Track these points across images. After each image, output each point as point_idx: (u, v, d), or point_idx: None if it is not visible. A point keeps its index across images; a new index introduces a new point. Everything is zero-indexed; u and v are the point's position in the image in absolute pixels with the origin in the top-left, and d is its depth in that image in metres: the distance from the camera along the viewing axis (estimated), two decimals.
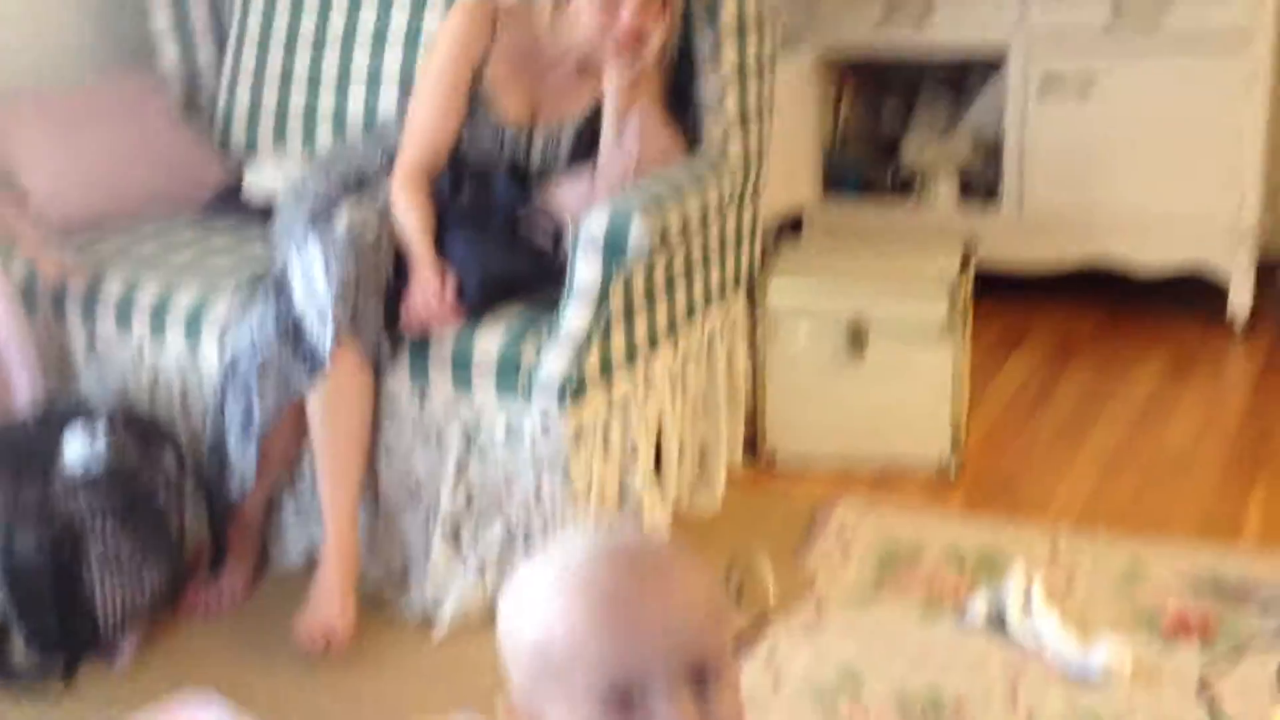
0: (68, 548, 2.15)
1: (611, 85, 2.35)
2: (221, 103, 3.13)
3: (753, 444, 2.88)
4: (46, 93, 2.95)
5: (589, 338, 2.20)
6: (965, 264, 2.87)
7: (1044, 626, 2.15)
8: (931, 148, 3.86)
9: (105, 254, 2.68)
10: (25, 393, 2.51)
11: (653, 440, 2.44)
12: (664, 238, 2.23)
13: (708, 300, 2.60)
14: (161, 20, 3.16)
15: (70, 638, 2.18)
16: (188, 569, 2.43)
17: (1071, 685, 2.05)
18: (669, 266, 2.40)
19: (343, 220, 2.29)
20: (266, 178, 2.91)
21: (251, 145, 3.07)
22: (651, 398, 2.43)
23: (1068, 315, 3.74)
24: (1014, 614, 2.19)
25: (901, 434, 2.82)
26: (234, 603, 2.41)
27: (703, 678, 1.00)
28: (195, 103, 3.18)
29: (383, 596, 2.39)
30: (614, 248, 2.15)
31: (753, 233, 2.76)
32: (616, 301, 2.24)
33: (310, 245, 2.24)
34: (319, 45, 2.98)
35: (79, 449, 2.24)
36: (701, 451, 2.70)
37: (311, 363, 2.20)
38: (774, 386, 2.85)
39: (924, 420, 2.80)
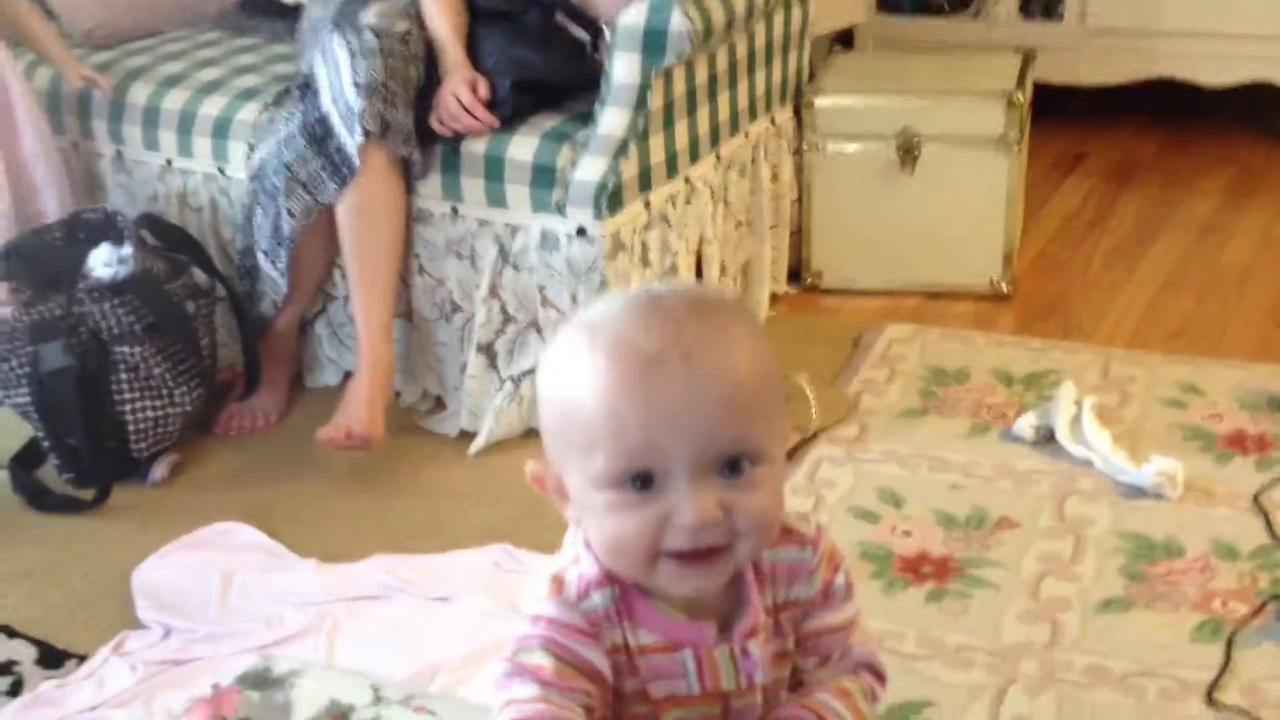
0: (94, 359, 2.11)
1: None
2: None
3: (796, 269, 2.80)
4: None
5: (626, 144, 2.11)
6: (1024, 74, 2.74)
7: (1095, 443, 2.08)
8: None
9: (131, 68, 2.60)
10: (54, 210, 2.46)
11: (693, 255, 2.36)
12: (707, 32, 2.11)
13: (753, 110, 2.49)
14: None
15: (101, 457, 2.15)
16: (220, 389, 2.40)
17: (1120, 501, 1.99)
18: (711, 68, 2.29)
19: (370, 19, 2.19)
20: None
21: None
22: (692, 210, 2.34)
23: (1129, 135, 3.58)
24: (1063, 430, 2.12)
25: (951, 254, 2.72)
26: (267, 424, 2.37)
27: (737, 466, 0.91)
28: None
29: (417, 422, 2.35)
30: (653, 43, 2.04)
31: (801, 38, 2.63)
32: (656, 104, 2.14)
33: (336, 45, 2.15)
34: None
35: (106, 261, 2.19)
36: (744, 271, 2.63)
37: (340, 167, 2.13)
38: (820, 205, 2.74)
39: (975, 239, 2.70)
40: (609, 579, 0.96)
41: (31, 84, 2.53)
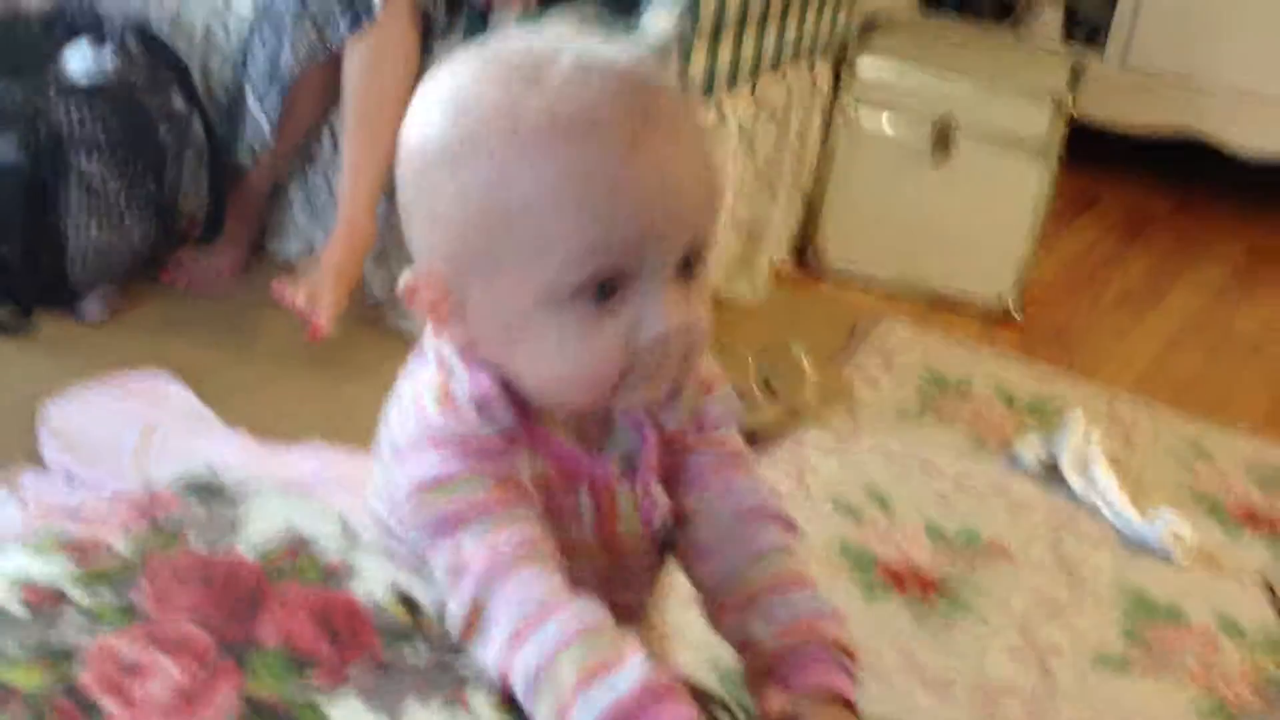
0: (48, 160, 1.88)
1: None
2: None
3: (801, 248, 2.63)
4: None
5: (667, 47, 1.93)
6: (1074, 82, 2.59)
7: (1100, 483, 1.94)
8: None
9: None
10: (36, 3, 2.22)
11: None
12: None
13: (796, 51, 2.32)
14: None
15: (33, 275, 1.93)
16: (178, 233, 2.18)
17: (1122, 552, 1.84)
18: None
19: None
20: None
21: None
22: (720, 142, 2.16)
23: (1145, 187, 3.45)
24: (1067, 464, 1.97)
25: (963, 259, 2.56)
26: (220, 281, 2.15)
27: (689, 267, 0.75)
28: None
29: (381, 317, 2.14)
30: None
31: None
32: (707, 10, 1.96)
33: None
34: None
35: (82, 59, 1.96)
36: (748, 234, 2.45)
37: (356, 6, 1.92)
38: (839, 177, 2.57)
39: (991, 248, 2.54)
40: (507, 393, 0.77)
41: None
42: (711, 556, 0.85)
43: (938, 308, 2.55)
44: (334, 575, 0.83)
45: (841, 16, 2.47)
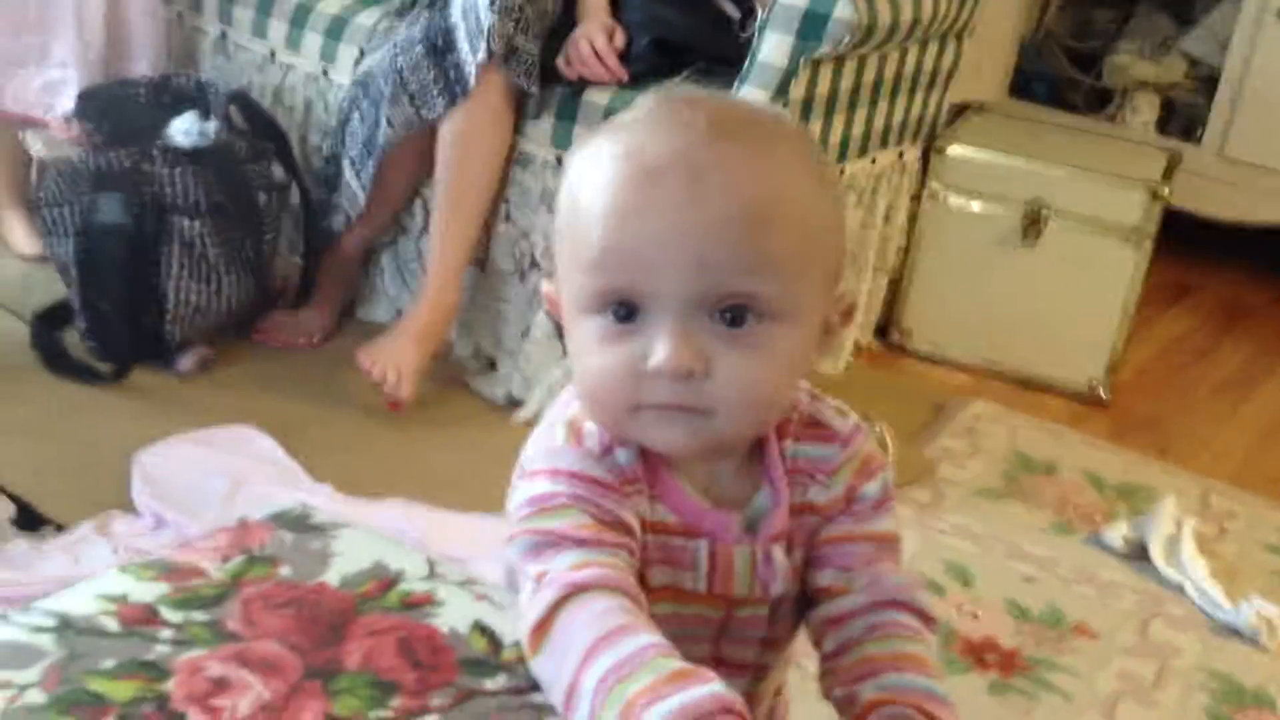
0: (150, 224, 1.94)
1: None
2: None
3: (884, 323, 2.62)
4: None
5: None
6: (1169, 172, 2.58)
7: (1190, 569, 1.89)
8: (1140, 65, 3.51)
9: None
10: (144, 74, 2.31)
11: None
12: (869, 28, 1.95)
13: (885, 137, 2.32)
14: None
15: (132, 330, 1.99)
16: (272, 295, 2.24)
17: (1210, 637, 1.80)
18: (858, 76, 2.12)
19: None
20: None
21: None
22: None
23: (1242, 278, 3.40)
24: (1158, 548, 1.94)
25: (1053, 343, 2.54)
26: (310, 342, 2.21)
27: (740, 317, 0.74)
28: None
29: (464, 379, 2.17)
30: (811, 26, 1.89)
31: (948, 78, 2.47)
32: (797, 94, 1.98)
33: None
34: None
35: (187, 128, 2.03)
36: None
37: (453, 84, 1.97)
38: (926, 259, 2.57)
39: (1082, 333, 2.52)
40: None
41: None
42: (839, 630, 0.84)
43: (1025, 390, 2.53)
44: (418, 608, 0.84)
45: (932, 101, 2.48)
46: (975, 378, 2.55)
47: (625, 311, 0.75)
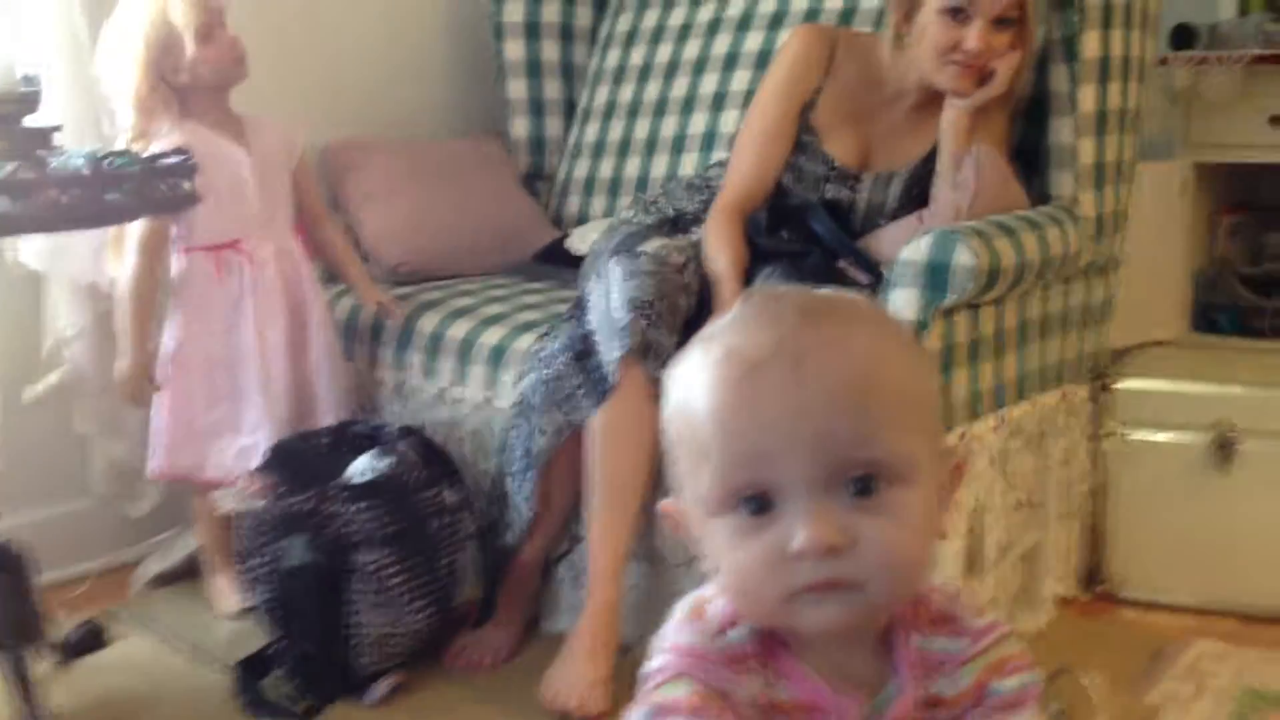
0: (336, 561, 2.03)
1: (949, 118, 2.12)
2: (561, 175, 3.12)
3: (1090, 575, 2.50)
4: (398, 143, 3.00)
5: None
6: None
7: None
8: None
9: (424, 300, 2.64)
10: (329, 421, 2.46)
11: (965, 521, 2.13)
12: (992, 272, 1.95)
13: (1043, 380, 2.28)
14: (516, 91, 3.16)
15: (328, 667, 2.05)
16: (457, 617, 2.29)
17: None
18: (999, 321, 2.12)
19: (651, 246, 2.15)
20: (589, 241, 2.83)
21: (583, 219, 3.02)
22: (967, 477, 2.12)
23: None
24: None
25: (1271, 567, 2.36)
26: (497, 661, 2.23)
27: (867, 486, 0.77)
28: (540, 173, 3.17)
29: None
30: (935, 278, 1.90)
31: (1104, 314, 2.43)
32: (933, 345, 1.98)
33: (613, 266, 2.11)
34: (659, 112, 2.92)
35: (363, 465, 2.15)
36: (1027, 558, 2.35)
37: (597, 384, 2.04)
38: (1123, 502, 2.46)
39: None
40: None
41: (333, 313, 2.59)
42: None
43: (1250, 623, 2.35)
44: None
45: (1091, 338, 2.44)
46: (1195, 617, 2.38)
47: (757, 504, 0.79)
